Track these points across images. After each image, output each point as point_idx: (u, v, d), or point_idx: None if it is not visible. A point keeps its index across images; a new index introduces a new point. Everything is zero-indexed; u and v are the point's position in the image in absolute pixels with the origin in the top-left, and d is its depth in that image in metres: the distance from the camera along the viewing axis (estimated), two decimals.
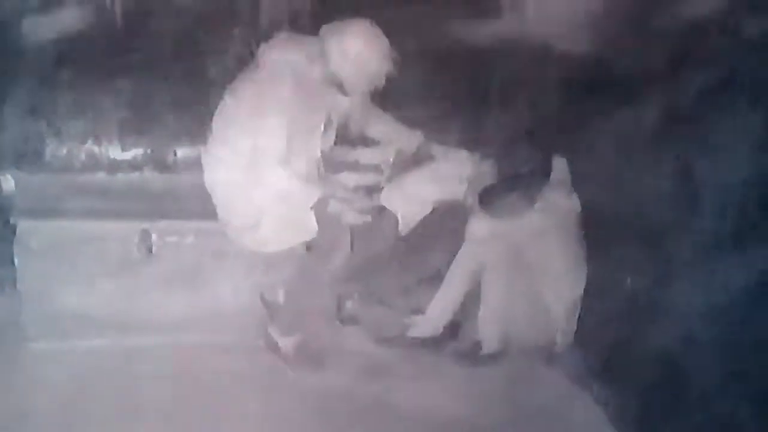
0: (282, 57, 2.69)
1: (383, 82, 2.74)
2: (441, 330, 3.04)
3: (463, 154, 3.03)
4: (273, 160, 2.62)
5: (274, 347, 2.86)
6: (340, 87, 2.75)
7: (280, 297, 2.90)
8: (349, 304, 3.12)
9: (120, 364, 2.72)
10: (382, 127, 3.00)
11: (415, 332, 3.04)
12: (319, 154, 2.77)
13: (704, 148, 2.37)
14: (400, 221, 2.90)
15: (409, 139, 3.02)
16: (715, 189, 2.37)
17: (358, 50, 2.67)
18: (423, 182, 2.95)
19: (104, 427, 2.45)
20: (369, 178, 2.97)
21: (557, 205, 2.96)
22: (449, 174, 2.98)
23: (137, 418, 2.47)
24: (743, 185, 2.26)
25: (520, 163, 2.95)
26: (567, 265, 2.95)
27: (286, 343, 2.85)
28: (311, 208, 2.70)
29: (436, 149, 3.03)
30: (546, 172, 2.95)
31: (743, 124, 2.21)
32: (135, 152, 3.06)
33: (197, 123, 2.82)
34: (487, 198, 2.96)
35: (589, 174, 2.90)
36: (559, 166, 2.96)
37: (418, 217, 2.94)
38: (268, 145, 2.62)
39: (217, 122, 2.74)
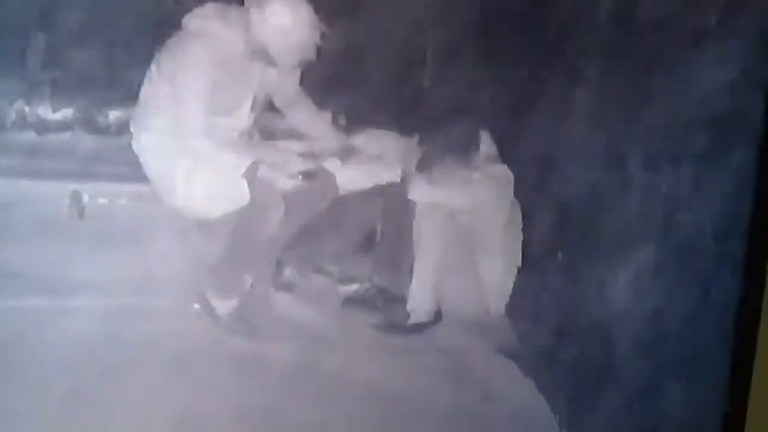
0: (203, 27, 2.64)
1: (314, 54, 2.69)
2: (434, 310, 3.01)
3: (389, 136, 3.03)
4: (196, 130, 2.60)
5: (209, 311, 2.85)
6: (266, 57, 2.70)
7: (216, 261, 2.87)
8: (287, 271, 3.09)
9: (52, 325, 2.68)
10: (304, 117, 2.95)
11: (414, 319, 3.00)
12: (246, 123, 2.75)
13: None
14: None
15: (326, 137, 2.98)
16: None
17: (280, 17, 2.61)
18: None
19: (34, 388, 2.43)
20: (304, 145, 2.95)
21: (494, 174, 2.98)
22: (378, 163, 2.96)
23: (67, 380, 2.45)
24: None
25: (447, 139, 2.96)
26: (504, 236, 2.97)
27: (222, 307, 2.84)
28: (242, 175, 2.68)
29: (359, 139, 3.00)
30: (475, 145, 2.98)
31: None
32: (65, 112, 3.02)
33: (130, 86, 2.78)
34: (425, 166, 2.98)
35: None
36: (484, 138, 2.98)
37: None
38: (190, 117, 2.60)
39: (144, 91, 2.73)
